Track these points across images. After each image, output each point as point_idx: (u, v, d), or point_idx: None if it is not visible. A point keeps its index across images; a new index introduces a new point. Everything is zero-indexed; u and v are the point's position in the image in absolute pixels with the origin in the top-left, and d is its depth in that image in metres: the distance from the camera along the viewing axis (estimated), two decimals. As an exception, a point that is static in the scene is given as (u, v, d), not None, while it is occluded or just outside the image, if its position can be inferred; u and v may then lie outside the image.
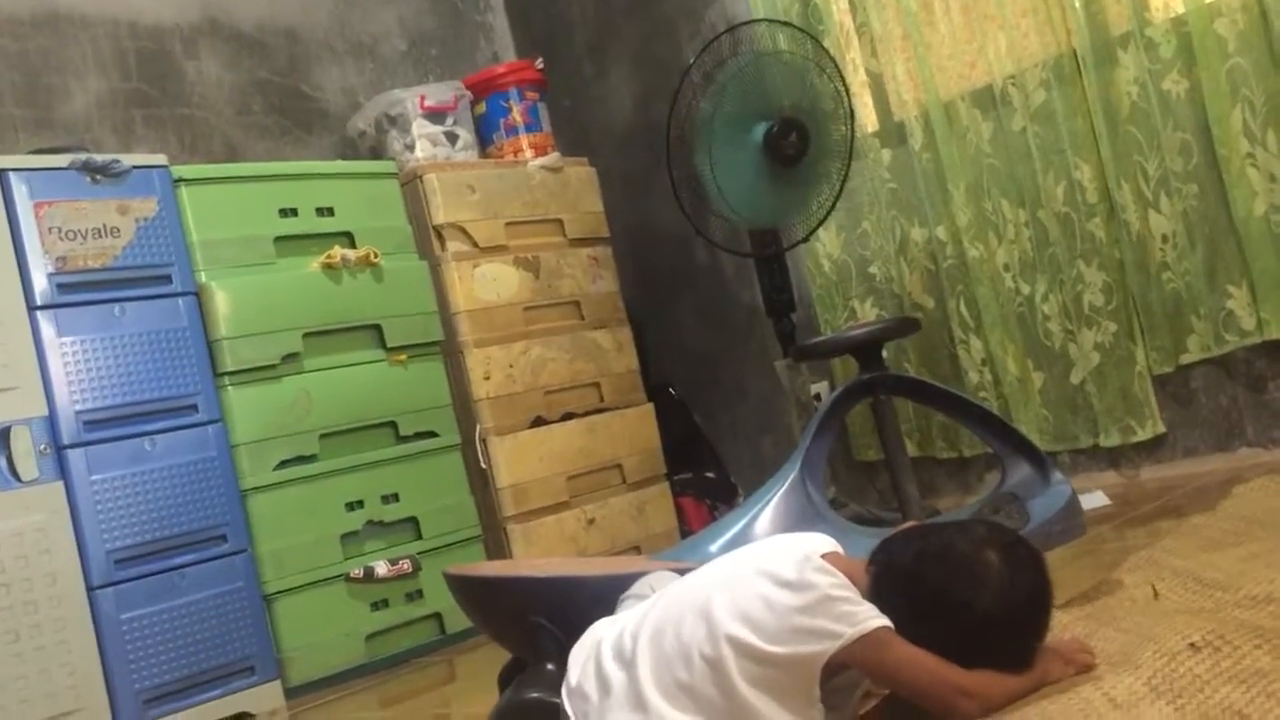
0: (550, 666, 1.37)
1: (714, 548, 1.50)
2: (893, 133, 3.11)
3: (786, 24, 2.92)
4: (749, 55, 2.76)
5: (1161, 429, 2.73)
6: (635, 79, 3.69)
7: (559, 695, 1.34)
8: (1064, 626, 1.42)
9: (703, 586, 1.24)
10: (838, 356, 3.04)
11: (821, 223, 2.90)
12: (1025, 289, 2.89)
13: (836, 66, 2.83)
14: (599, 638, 1.29)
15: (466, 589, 1.48)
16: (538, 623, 1.41)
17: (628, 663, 1.21)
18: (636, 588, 1.43)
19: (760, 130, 2.73)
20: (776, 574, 1.15)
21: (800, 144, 2.72)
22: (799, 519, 1.48)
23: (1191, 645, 1.15)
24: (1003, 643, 1.11)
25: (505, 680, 1.58)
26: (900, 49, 3.04)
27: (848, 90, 2.82)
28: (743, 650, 1.13)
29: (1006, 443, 1.65)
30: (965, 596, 1.11)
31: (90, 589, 2.23)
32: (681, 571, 1.38)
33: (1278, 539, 1.64)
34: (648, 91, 3.62)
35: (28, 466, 2.18)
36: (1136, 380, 2.73)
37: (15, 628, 2.12)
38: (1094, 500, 2.55)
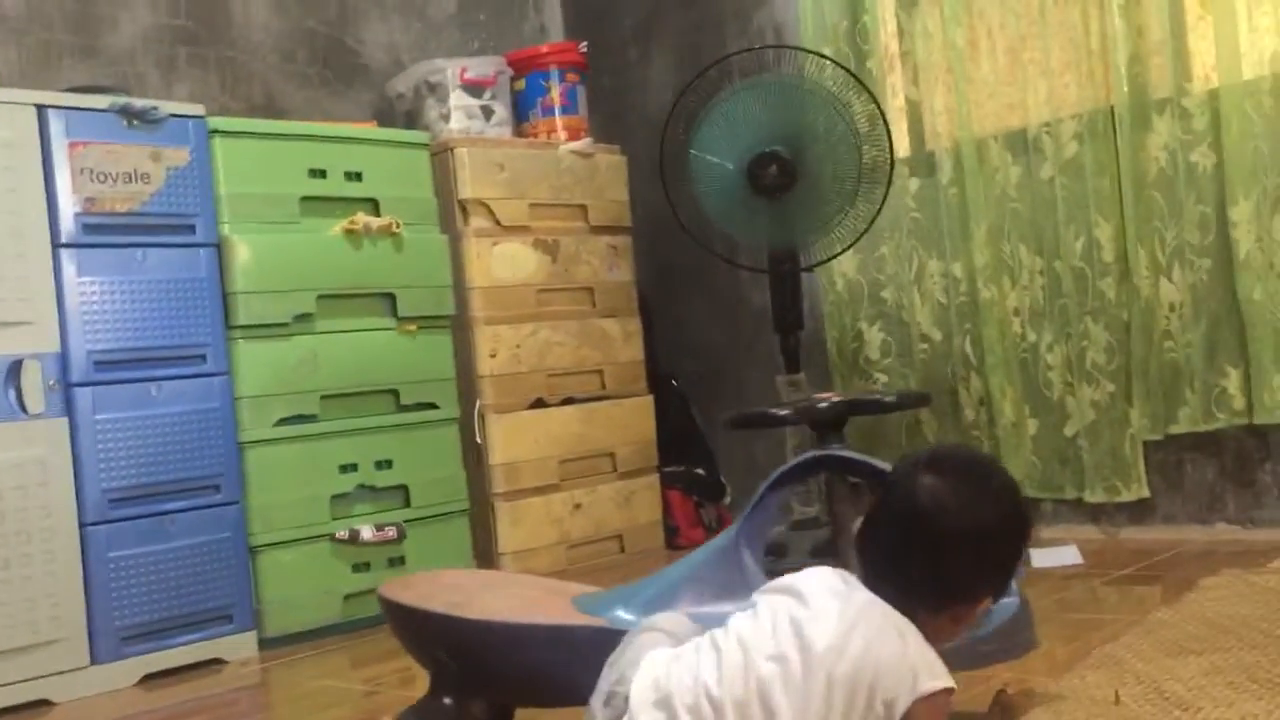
0: (447, 701, 1.41)
1: (637, 602, 1.49)
2: (922, 163, 3.12)
3: (824, 56, 2.94)
4: (760, 79, 2.81)
5: (1146, 493, 2.77)
6: (677, 70, 3.69)
7: None
8: (1032, 717, 1.51)
9: (804, 674, 1.16)
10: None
11: (846, 249, 2.93)
12: (1032, 336, 2.92)
13: (872, 94, 2.86)
14: (665, 677, 1.19)
15: (389, 610, 1.53)
16: (440, 657, 1.45)
17: None
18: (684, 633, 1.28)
19: (744, 158, 2.79)
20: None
21: (780, 177, 2.76)
22: (725, 590, 1.45)
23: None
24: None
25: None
26: (942, 80, 3.05)
27: (885, 117, 2.84)
28: None
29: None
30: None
31: (83, 525, 2.29)
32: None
33: (1239, 652, 1.68)
34: (686, 85, 3.62)
35: (35, 400, 2.24)
36: (1128, 442, 2.77)
37: (6, 556, 2.18)
38: (1068, 556, 2.61)
